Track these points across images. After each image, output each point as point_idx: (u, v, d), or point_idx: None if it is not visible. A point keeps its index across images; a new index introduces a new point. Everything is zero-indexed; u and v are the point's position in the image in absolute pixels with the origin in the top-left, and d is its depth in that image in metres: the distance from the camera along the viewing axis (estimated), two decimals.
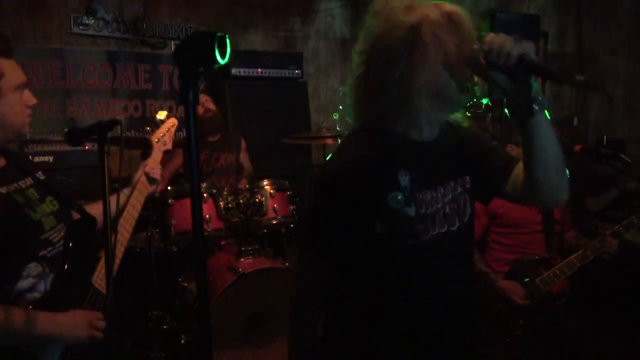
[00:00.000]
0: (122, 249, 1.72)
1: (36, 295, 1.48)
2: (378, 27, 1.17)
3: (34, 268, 1.48)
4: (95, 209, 1.72)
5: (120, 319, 1.90)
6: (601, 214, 3.47)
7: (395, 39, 1.13)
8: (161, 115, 2.17)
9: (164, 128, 2.08)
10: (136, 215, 1.80)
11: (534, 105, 1.08)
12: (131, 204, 1.79)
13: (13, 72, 1.49)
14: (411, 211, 1.18)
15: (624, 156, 2.54)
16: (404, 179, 1.18)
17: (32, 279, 1.48)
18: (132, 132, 4.31)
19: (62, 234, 1.58)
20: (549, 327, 2.44)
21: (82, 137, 1.50)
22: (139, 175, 1.87)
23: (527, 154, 1.15)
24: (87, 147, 3.76)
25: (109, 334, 1.49)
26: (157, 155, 1.97)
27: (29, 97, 1.54)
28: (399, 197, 1.17)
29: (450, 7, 1.15)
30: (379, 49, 1.15)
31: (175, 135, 2.14)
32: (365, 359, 1.28)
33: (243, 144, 3.64)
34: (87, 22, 4.12)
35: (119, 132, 1.42)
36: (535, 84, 1.08)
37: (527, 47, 1.04)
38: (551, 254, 2.53)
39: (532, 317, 2.41)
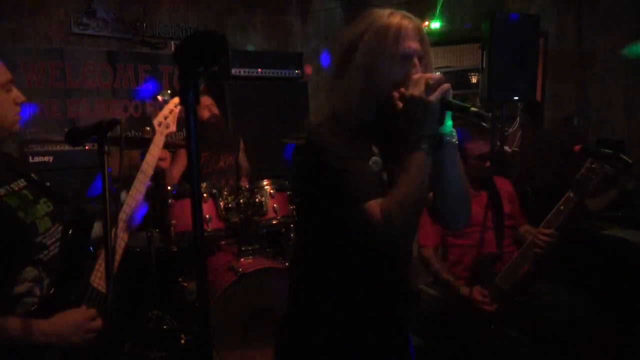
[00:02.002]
0: (123, 244, 1.69)
1: (34, 299, 1.46)
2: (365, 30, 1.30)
3: (29, 272, 1.46)
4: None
5: (121, 319, 1.90)
6: (601, 214, 3.46)
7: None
8: (164, 95, 2.10)
9: (166, 109, 1.99)
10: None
11: (444, 141, 1.25)
12: (131, 195, 1.76)
13: None
14: (385, 177, 1.32)
15: (624, 156, 2.54)
16: (376, 152, 1.32)
17: (28, 283, 1.46)
18: (132, 132, 4.31)
19: (57, 235, 1.55)
20: (531, 318, 2.42)
21: (82, 137, 1.50)
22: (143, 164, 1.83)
23: (433, 179, 1.28)
24: (87, 147, 3.76)
25: (109, 333, 1.48)
26: (159, 139, 1.91)
27: (17, 95, 1.53)
28: (378, 161, 1.30)
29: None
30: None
31: (178, 118, 2.00)
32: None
33: (242, 145, 3.64)
34: (87, 22, 4.12)
35: (119, 132, 1.41)
36: (450, 122, 1.27)
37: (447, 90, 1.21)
38: (502, 250, 2.51)
39: (509, 314, 2.37)
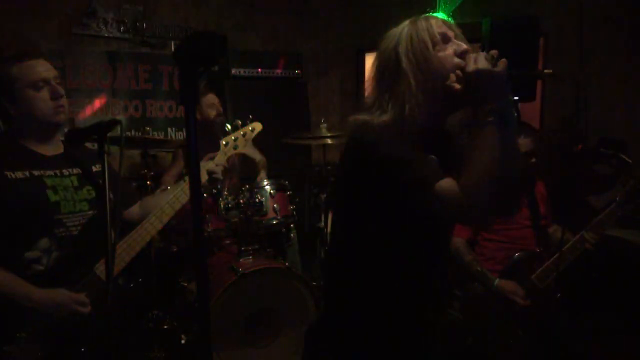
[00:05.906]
0: (154, 232, 1.90)
1: (40, 267, 1.65)
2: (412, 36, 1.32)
3: (43, 243, 1.65)
4: (136, 208, 1.98)
5: (121, 318, 1.91)
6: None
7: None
8: (239, 123, 2.27)
9: (238, 132, 2.18)
10: (178, 206, 1.97)
11: (508, 115, 1.20)
12: (175, 196, 1.97)
13: (25, 74, 1.67)
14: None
15: (624, 156, 2.54)
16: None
17: (39, 252, 1.65)
18: (132, 132, 4.31)
19: (85, 220, 1.73)
20: (547, 325, 2.44)
21: (82, 137, 1.56)
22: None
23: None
24: None
25: (109, 333, 1.51)
26: (220, 157, 2.11)
27: (53, 91, 1.71)
28: (435, 160, 1.25)
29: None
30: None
31: (252, 140, 2.20)
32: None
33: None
34: (87, 22, 4.12)
35: (119, 132, 1.45)
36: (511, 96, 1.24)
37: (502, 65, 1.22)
38: (541, 249, 2.54)
39: (532, 316, 2.40)
